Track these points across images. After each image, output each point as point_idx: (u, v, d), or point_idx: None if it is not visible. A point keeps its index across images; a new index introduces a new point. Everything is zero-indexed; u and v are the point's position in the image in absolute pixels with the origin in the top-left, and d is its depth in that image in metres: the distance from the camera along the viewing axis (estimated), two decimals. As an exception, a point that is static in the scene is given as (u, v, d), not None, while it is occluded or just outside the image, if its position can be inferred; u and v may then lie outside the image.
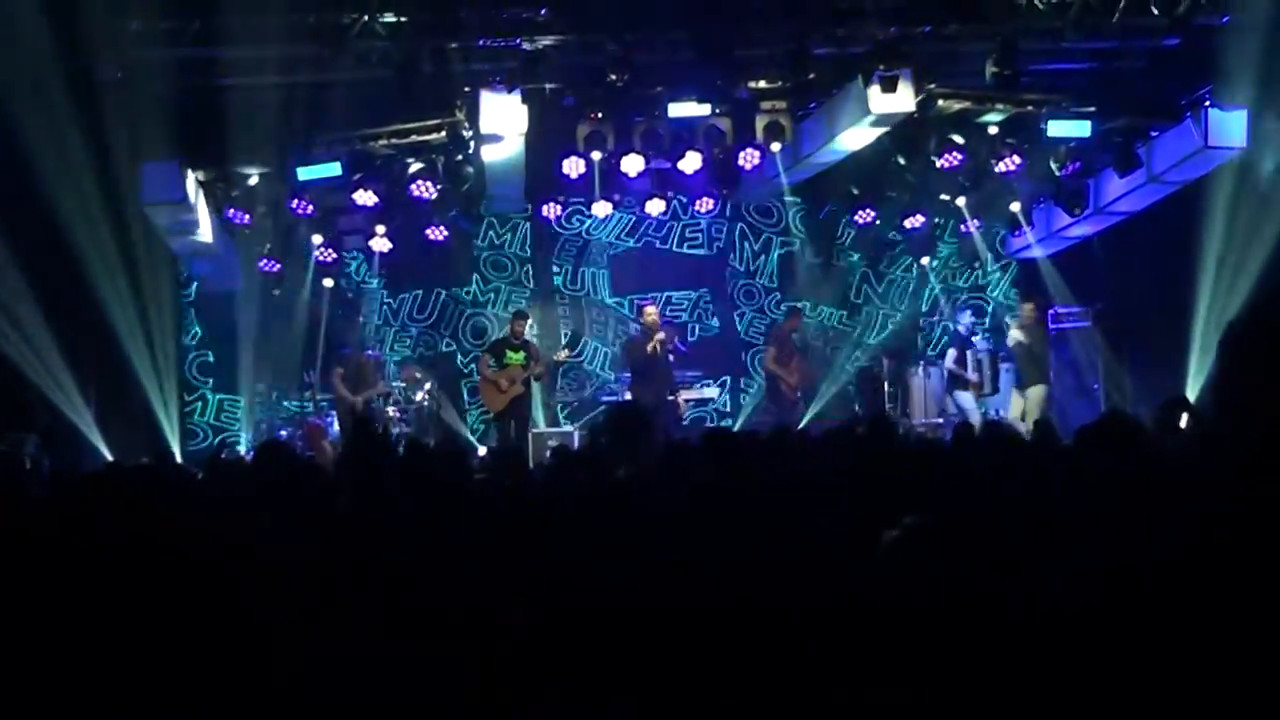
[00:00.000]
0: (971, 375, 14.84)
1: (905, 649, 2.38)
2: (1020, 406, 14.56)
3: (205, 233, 13.71)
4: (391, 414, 14.51)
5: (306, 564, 3.37)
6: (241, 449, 14.06)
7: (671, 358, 14.47)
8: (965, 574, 2.47)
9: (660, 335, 14.01)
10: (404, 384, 15.09)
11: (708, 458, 5.43)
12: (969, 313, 15.77)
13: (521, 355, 14.34)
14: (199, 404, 15.93)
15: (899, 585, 2.49)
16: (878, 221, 16.04)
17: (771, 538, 3.20)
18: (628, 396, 14.28)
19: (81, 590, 3.26)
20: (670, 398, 14.29)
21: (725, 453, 5.45)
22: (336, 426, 14.32)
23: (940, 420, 15.26)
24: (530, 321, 15.27)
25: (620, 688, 2.73)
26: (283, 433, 14.33)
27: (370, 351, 14.76)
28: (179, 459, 12.77)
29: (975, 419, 14.27)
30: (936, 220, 16.55)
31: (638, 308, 15.06)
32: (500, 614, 3.06)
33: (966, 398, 14.86)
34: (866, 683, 2.39)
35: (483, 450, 14.58)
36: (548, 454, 11.74)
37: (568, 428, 15.38)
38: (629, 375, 14.65)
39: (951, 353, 15.11)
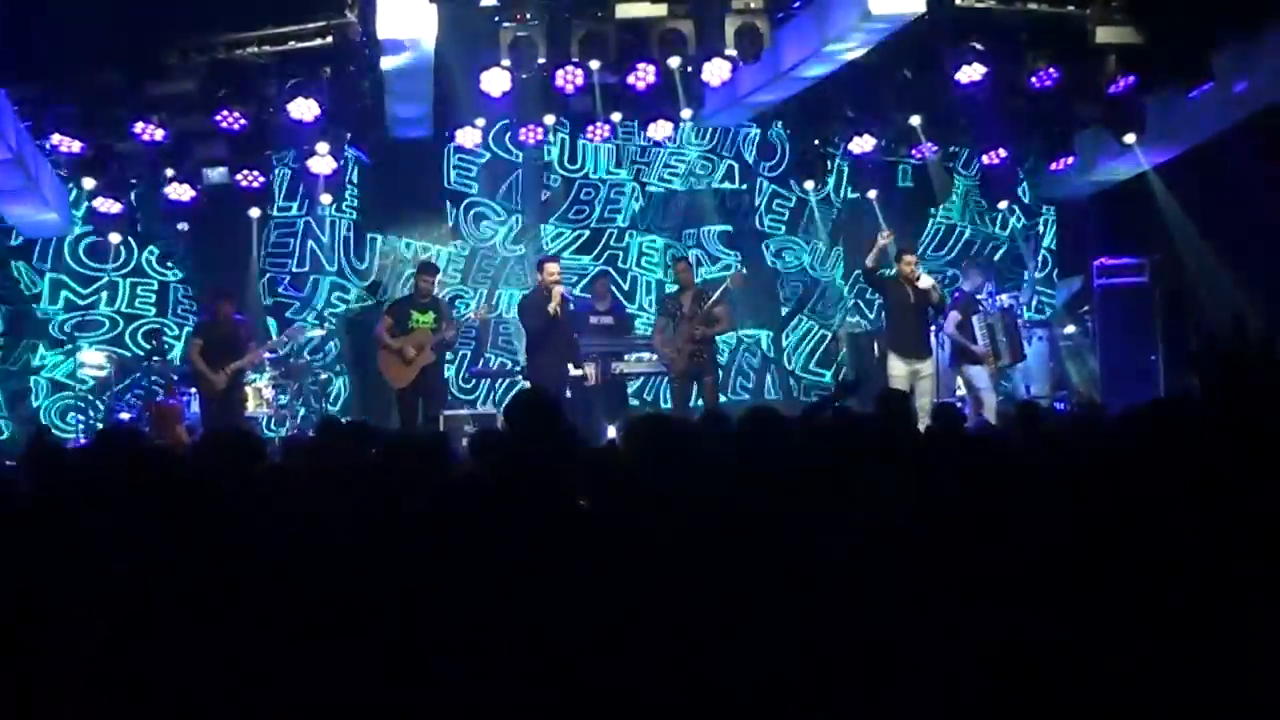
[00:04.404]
0: (978, 344, 12.62)
1: None
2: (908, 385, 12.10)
3: (19, 165, 11.53)
4: (266, 391, 12.75)
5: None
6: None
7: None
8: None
9: (560, 289, 12.24)
10: (283, 352, 13.16)
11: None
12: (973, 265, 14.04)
13: (430, 316, 12.28)
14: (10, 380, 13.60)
15: None
16: (878, 150, 14.41)
17: None
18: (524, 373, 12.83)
19: None
20: (577, 371, 12.57)
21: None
22: (196, 407, 12.42)
23: (953, 399, 13.03)
24: (440, 275, 13.27)
25: None
26: (123, 415, 12.46)
27: (239, 315, 12.73)
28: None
29: (988, 399, 12.33)
30: (950, 149, 15.12)
31: (538, 262, 12.94)
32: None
33: (978, 372, 12.60)
34: None
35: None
36: (465, 441, 10.36)
37: (488, 408, 13.30)
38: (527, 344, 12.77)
39: (953, 315, 12.80)
